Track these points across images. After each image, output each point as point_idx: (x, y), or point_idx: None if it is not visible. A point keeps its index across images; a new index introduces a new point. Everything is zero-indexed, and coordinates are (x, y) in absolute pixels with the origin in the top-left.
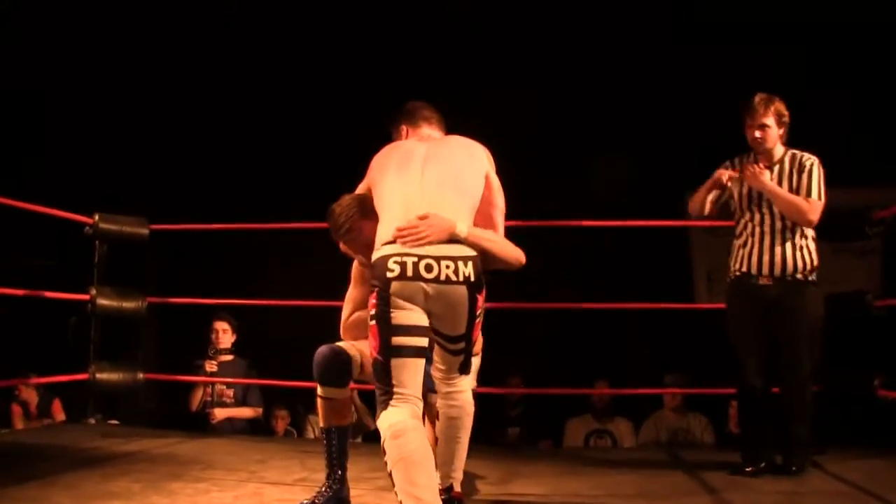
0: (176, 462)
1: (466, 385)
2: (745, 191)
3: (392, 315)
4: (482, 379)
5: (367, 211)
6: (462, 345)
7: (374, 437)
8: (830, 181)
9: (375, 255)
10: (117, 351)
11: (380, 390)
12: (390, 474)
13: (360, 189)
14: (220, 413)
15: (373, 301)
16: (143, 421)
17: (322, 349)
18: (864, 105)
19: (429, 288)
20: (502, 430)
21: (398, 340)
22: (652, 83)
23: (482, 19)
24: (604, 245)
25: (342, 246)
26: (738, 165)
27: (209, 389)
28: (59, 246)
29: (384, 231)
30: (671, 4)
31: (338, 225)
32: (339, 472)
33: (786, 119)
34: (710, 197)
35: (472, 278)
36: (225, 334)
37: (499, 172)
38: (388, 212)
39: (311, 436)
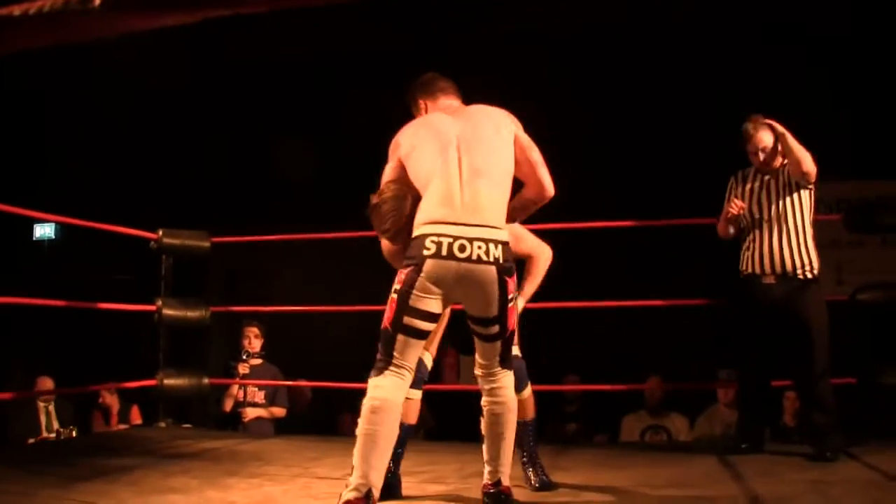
0: (235, 460)
1: (509, 381)
2: (749, 202)
3: (412, 297)
4: (540, 377)
5: (409, 205)
6: (496, 329)
7: (436, 435)
8: (854, 174)
9: (414, 234)
10: (187, 358)
11: (381, 355)
12: (357, 436)
13: (391, 169)
14: (250, 412)
15: (401, 277)
16: (213, 424)
17: None
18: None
19: (460, 267)
20: (560, 426)
21: (409, 321)
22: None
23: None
24: (660, 242)
25: (382, 238)
26: (741, 179)
27: (241, 391)
28: (133, 261)
29: (423, 213)
30: None
31: (383, 223)
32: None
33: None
34: (731, 227)
35: (502, 260)
36: (255, 339)
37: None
38: (429, 197)
39: None
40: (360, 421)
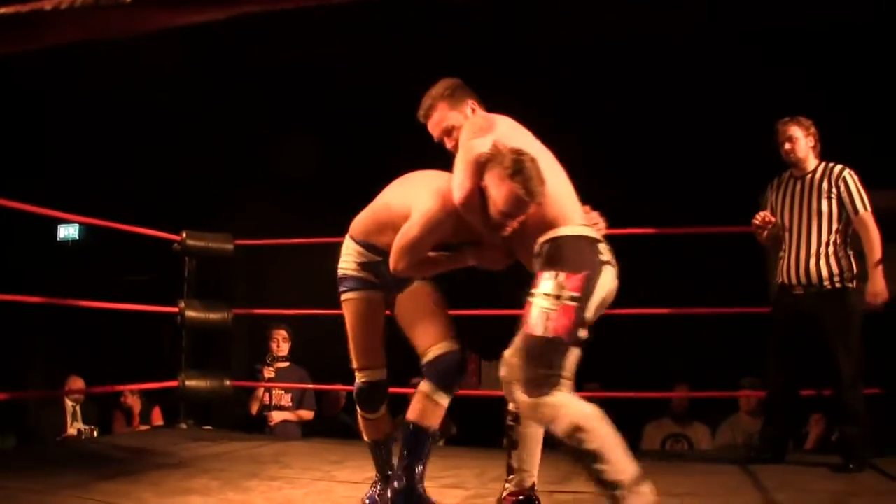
0: (256, 462)
1: None
2: (780, 208)
3: (587, 306)
4: None
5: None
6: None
7: (456, 440)
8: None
9: (569, 232)
10: (209, 360)
11: (544, 369)
12: (589, 453)
13: (487, 146)
14: (276, 416)
15: (576, 281)
16: (234, 426)
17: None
18: None
19: (615, 276)
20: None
21: (583, 333)
22: (726, 87)
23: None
24: (682, 250)
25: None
26: (776, 186)
27: (267, 394)
28: (157, 263)
29: (567, 212)
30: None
31: (541, 183)
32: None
33: (813, 130)
34: (765, 235)
35: None
36: (283, 342)
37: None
38: (562, 194)
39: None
40: (590, 437)
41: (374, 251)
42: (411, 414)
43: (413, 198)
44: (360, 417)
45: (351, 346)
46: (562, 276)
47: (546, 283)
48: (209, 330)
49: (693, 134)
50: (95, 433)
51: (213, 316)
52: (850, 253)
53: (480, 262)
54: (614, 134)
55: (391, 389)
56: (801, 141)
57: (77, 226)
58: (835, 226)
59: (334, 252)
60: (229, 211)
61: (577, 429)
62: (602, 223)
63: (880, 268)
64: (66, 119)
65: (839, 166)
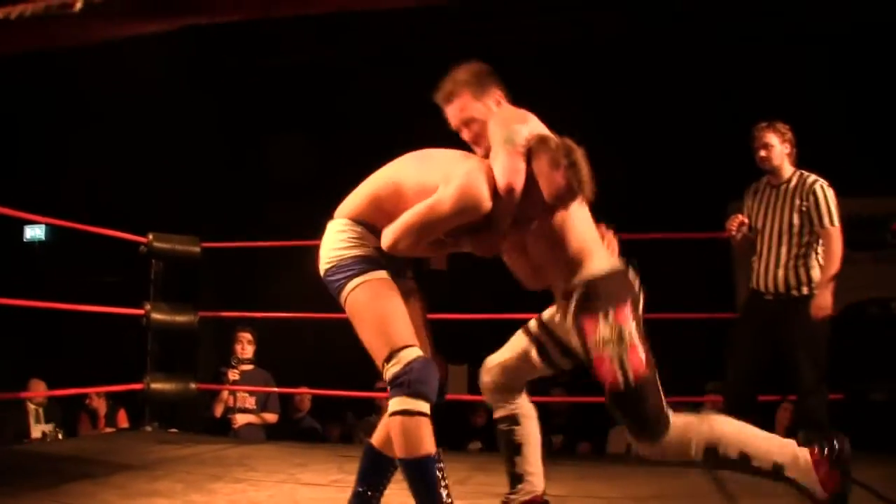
0: (221, 465)
1: None
2: (754, 215)
3: (642, 330)
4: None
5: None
6: None
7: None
8: (849, 192)
9: (606, 265)
10: (175, 362)
11: (649, 412)
12: (735, 461)
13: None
14: (240, 419)
15: (627, 314)
16: (199, 428)
17: None
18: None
19: None
20: (547, 438)
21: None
22: (695, 93)
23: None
24: (648, 256)
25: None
26: (752, 192)
27: (231, 397)
28: (123, 264)
29: (590, 242)
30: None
31: (582, 181)
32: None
33: (789, 137)
34: (738, 238)
35: None
36: (248, 345)
37: None
38: (584, 219)
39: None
40: (721, 450)
41: (379, 235)
42: (377, 440)
43: (439, 174)
44: (401, 420)
45: (375, 333)
46: (611, 314)
47: (602, 329)
48: (175, 332)
49: (659, 141)
50: (60, 435)
51: (179, 318)
52: (815, 260)
53: (475, 249)
54: (580, 140)
55: (354, 393)
56: (777, 148)
57: (43, 226)
58: (805, 238)
59: (302, 255)
60: (197, 213)
61: (711, 448)
62: (616, 245)
63: (831, 284)
64: (33, 118)
65: (812, 178)
